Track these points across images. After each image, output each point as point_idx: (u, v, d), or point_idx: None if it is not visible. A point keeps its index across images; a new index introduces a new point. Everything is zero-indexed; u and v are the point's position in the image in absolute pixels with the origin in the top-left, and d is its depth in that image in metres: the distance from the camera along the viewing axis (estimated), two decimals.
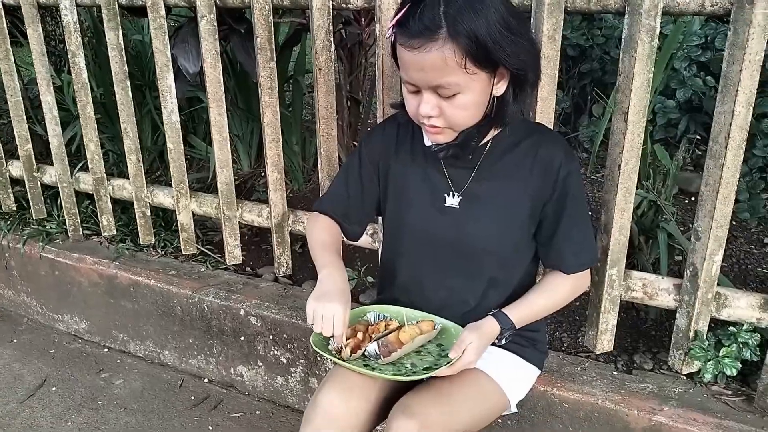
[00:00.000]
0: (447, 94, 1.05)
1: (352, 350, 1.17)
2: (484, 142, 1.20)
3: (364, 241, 1.82)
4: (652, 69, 1.36)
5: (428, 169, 1.26)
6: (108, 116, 2.75)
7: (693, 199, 2.61)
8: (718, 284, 1.46)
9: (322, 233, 1.32)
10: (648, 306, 1.72)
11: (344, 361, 1.16)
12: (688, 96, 2.65)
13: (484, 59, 1.03)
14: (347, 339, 1.18)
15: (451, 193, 1.24)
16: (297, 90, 2.74)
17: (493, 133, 1.20)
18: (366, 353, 1.18)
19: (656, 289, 1.53)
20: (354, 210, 1.35)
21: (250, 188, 2.80)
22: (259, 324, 1.93)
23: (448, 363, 1.14)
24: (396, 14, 1.05)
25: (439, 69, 1.01)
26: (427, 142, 1.21)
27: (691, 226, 2.45)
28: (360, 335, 1.22)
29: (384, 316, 1.30)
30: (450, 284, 1.29)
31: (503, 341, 1.25)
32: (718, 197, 1.36)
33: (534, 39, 1.14)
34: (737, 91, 1.27)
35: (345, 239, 1.40)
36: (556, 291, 1.29)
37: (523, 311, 1.24)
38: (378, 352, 1.17)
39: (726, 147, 1.32)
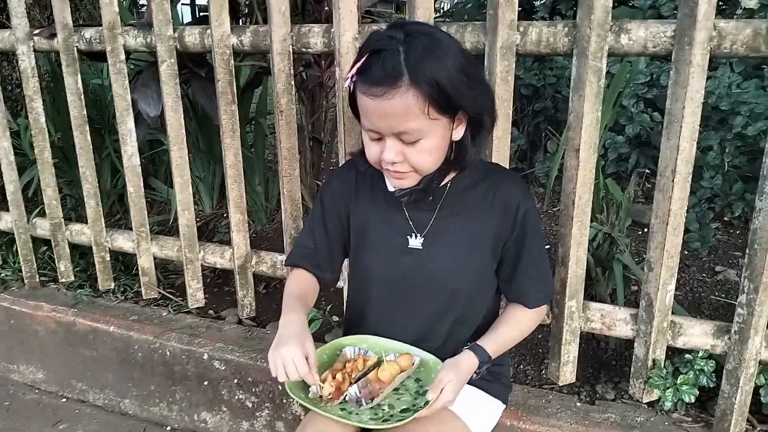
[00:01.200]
0: (410, 140, 1.08)
1: (333, 394, 1.16)
2: (443, 183, 1.24)
3: None
4: (601, 107, 1.42)
5: (389, 212, 1.28)
6: (66, 160, 2.72)
7: (646, 230, 2.70)
8: (672, 313, 1.51)
9: (292, 284, 1.32)
10: (607, 336, 1.76)
11: (321, 408, 1.16)
12: (636, 131, 2.76)
13: (446, 104, 1.06)
14: (325, 381, 1.18)
15: (413, 234, 1.27)
16: (259, 131, 2.77)
17: (452, 175, 1.24)
18: (347, 398, 1.17)
19: (614, 320, 1.57)
20: (324, 259, 1.36)
21: (212, 229, 2.79)
22: (223, 368, 1.90)
23: (426, 404, 1.14)
24: (355, 63, 1.07)
25: (402, 115, 1.03)
26: (390, 188, 1.23)
27: (645, 256, 2.53)
28: (339, 376, 1.20)
29: (361, 350, 1.29)
30: (417, 324, 1.30)
31: (479, 375, 1.26)
32: (668, 228, 1.42)
33: (488, 83, 1.19)
34: (681, 127, 1.34)
35: (323, 287, 1.39)
36: (520, 322, 1.32)
37: (496, 343, 1.26)
38: (359, 395, 1.16)
39: (673, 180, 1.38)
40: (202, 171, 2.84)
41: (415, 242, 1.26)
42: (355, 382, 1.19)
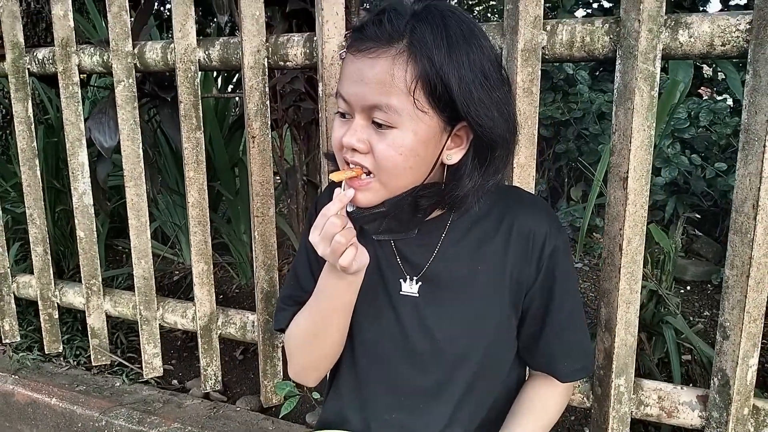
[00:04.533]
0: (381, 122, 0.79)
1: None
2: (444, 211, 0.91)
3: None
4: (654, 124, 1.10)
5: (378, 248, 0.95)
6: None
7: (689, 288, 2.33)
8: (754, 395, 1.14)
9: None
10: (660, 423, 1.37)
11: None
12: (674, 176, 2.43)
13: (442, 97, 0.77)
14: None
15: (406, 277, 0.93)
16: (246, 173, 2.46)
17: (438, 211, 0.91)
18: None
19: (675, 404, 1.20)
20: None
21: (191, 283, 2.45)
22: None
23: None
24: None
25: (381, 83, 0.77)
26: (350, 207, 0.90)
27: (693, 320, 2.15)
28: None
29: None
30: (408, 405, 0.95)
31: None
32: (749, 282, 1.07)
33: (513, 105, 0.87)
34: (765, 147, 1.00)
35: None
36: (548, 406, 0.97)
37: None
38: None
39: (755, 218, 1.04)
40: (183, 218, 2.53)
41: (410, 288, 0.92)
42: None
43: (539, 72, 1.15)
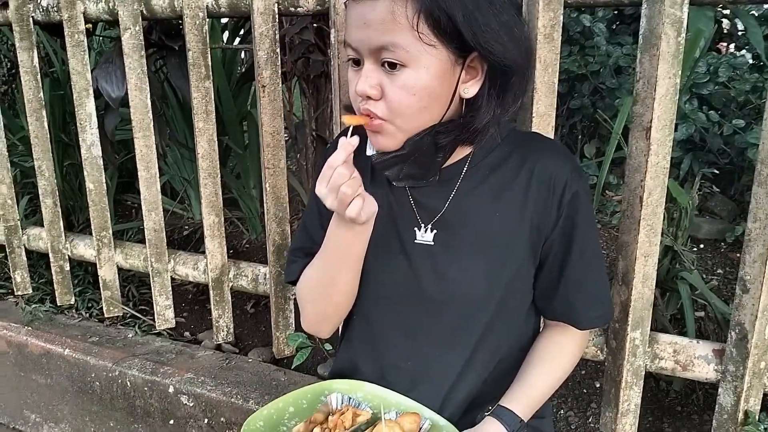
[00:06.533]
0: (390, 61, 0.77)
1: None
2: (461, 157, 0.89)
3: None
4: (680, 72, 1.06)
5: (392, 198, 0.93)
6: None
7: (702, 246, 2.31)
8: None
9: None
10: (673, 376, 1.37)
11: None
12: (690, 132, 2.38)
13: (448, 27, 0.75)
14: None
15: (420, 225, 0.91)
16: (255, 127, 2.43)
17: (463, 150, 0.88)
18: None
19: (691, 357, 1.19)
20: None
21: (200, 238, 2.44)
22: (191, 404, 1.55)
23: None
24: None
25: (383, 23, 0.76)
26: (369, 152, 0.88)
27: (706, 277, 2.14)
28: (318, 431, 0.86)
29: (352, 400, 0.94)
30: (423, 352, 0.94)
31: None
32: None
33: (524, 27, 0.84)
34: None
35: None
36: (561, 357, 0.96)
37: (528, 398, 0.90)
38: None
39: None
40: (192, 172, 2.51)
41: (424, 235, 0.91)
42: None
43: (561, 17, 1.11)
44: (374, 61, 0.79)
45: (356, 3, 0.78)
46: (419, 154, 0.83)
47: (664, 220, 1.67)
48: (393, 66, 0.77)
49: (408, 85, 0.77)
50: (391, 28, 0.75)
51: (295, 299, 1.54)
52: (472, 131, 0.82)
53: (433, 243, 0.90)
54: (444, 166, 0.89)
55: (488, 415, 0.88)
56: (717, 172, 2.44)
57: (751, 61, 2.65)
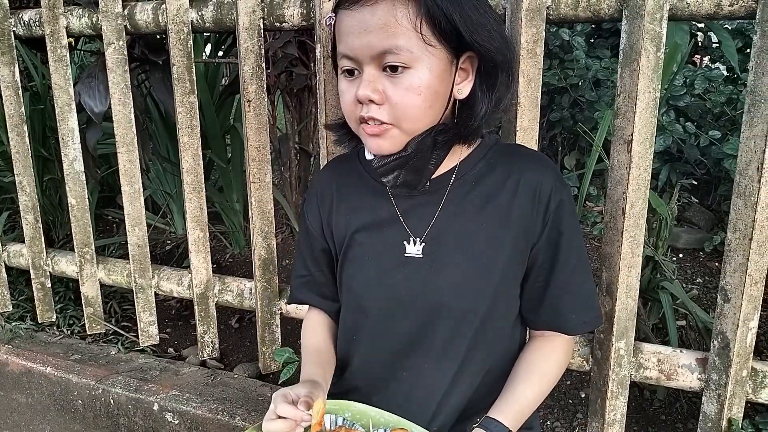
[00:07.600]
0: (393, 64, 0.79)
1: None
2: (448, 169, 0.90)
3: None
4: (659, 86, 1.08)
5: (378, 211, 0.94)
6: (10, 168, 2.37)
7: (681, 255, 2.34)
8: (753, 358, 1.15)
9: (309, 338, 1.07)
10: (658, 385, 1.39)
11: None
12: (668, 144, 2.42)
13: (446, 28, 0.79)
14: None
15: (410, 238, 0.92)
16: (238, 140, 2.43)
17: (460, 152, 0.91)
18: None
19: (675, 366, 1.20)
20: (326, 287, 1.07)
21: (182, 253, 2.43)
22: (176, 422, 1.53)
23: None
24: None
25: (385, 27, 0.78)
26: (369, 156, 0.90)
27: (686, 286, 2.17)
28: None
29: (345, 421, 0.93)
30: (416, 364, 0.95)
31: None
32: (752, 246, 1.06)
33: (507, 36, 0.88)
34: None
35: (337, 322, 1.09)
36: (547, 368, 0.97)
37: (517, 409, 0.90)
38: None
39: (759, 181, 1.03)
40: (174, 186, 2.50)
41: (414, 249, 0.92)
42: None
43: (543, 33, 1.13)
44: (375, 67, 0.80)
45: (353, 11, 0.79)
46: (419, 156, 0.85)
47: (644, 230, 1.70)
48: (395, 69, 0.79)
49: (413, 86, 0.79)
50: (393, 31, 0.77)
51: (281, 314, 1.54)
52: (468, 129, 0.86)
53: (422, 256, 0.91)
54: (433, 176, 0.90)
55: (476, 426, 0.89)
56: (695, 182, 2.49)
57: (725, 74, 2.71)
